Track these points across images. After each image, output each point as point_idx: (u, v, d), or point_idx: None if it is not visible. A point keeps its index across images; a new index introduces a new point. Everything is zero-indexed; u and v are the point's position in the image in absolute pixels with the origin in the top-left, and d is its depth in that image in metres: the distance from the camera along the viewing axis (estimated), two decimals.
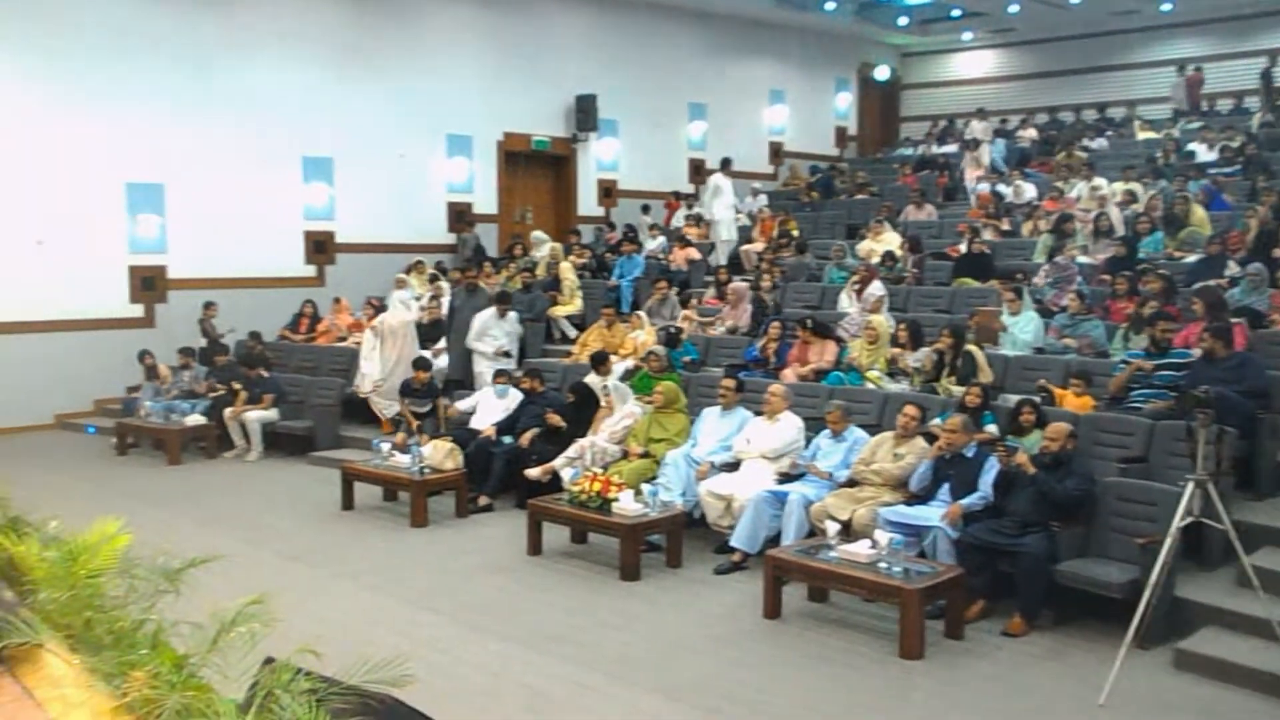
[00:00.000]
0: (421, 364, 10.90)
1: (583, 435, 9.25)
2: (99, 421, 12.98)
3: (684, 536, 7.81)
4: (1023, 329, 9.75)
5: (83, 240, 13.22)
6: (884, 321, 10.27)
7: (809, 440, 8.18)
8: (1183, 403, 6.59)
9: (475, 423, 10.11)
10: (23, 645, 3.11)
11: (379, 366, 11.78)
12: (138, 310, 13.79)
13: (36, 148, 12.78)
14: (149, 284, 13.87)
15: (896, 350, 9.73)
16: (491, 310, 12.04)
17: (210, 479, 10.78)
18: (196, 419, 11.80)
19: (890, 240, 13.35)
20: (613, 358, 10.75)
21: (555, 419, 9.58)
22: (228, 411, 11.77)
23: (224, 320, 13.66)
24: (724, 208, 14.99)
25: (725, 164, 15.53)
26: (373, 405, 11.77)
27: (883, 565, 6.20)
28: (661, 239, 15.72)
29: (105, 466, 11.34)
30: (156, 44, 13.62)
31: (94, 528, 3.75)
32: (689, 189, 18.81)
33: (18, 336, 12.71)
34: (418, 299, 13.95)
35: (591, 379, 10.04)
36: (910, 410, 7.61)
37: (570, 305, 13.60)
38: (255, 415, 11.71)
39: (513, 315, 12.16)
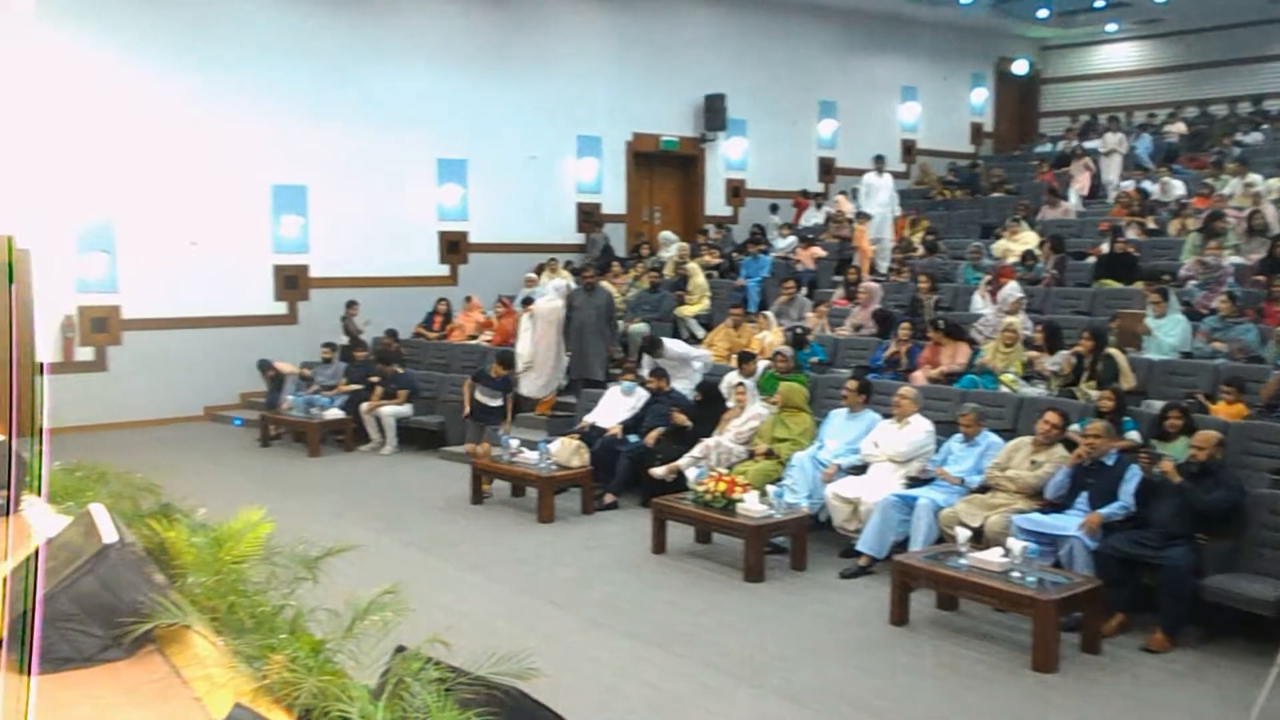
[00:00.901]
0: (504, 358, 11.02)
1: (708, 435, 9.24)
2: (244, 414, 13.54)
3: (809, 539, 7.73)
4: (1168, 332, 9.34)
5: (232, 241, 13.84)
6: (1021, 323, 9.97)
7: (939, 444, 7.99)
8: None
9: (601, 421, 10.19)
10: (172, 626, 3.26)
11: (529, 349, 12.04)
12: (282, 308, 14.36)
13: (192, 152, 13.42)
14: (292, 283, 14.43)
15: (1033, 353, 9.43)
16: None
17: (347, 471, 11.13)
18: (335, 413, 12.21)
19: (1028, 240, 12.95)
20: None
21: (681, 418, 9.59)
22: (364, 406, 12.15)
23: (362, 318, 14.12)
24: (877, 206, 14.79)
25: (879, 162, 15.34)
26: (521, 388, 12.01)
27: (1016, 574, 6.01)
28: (790, 238, 15.57)
29: (249, 457, 11.83)
30: (302, 52, 14.16)
31: (239, 516, 3.90)
32: (818, 188, 18.60)
33: (171, 332, 13.39)
34: (545, 297, 14.13)
35: (732, 377, 10.02)
36: (1051, 417, 7.36)
37: (698, 305, 13.59)
38: (390, 410, 12.05)
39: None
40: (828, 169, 19.45)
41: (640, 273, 14.31)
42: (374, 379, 12.34)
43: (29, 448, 6.07)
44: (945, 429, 8.14)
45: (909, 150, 20.73)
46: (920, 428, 8.06)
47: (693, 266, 14.01)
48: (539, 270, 14.93)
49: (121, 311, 13.17)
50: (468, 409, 11.00)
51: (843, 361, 11.06)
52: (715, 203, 18.35)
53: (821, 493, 8.05)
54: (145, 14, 13.04)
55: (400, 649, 2.80)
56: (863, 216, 15.05)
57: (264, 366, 12.99)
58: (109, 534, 3.51)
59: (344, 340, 13.73)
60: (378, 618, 2.84)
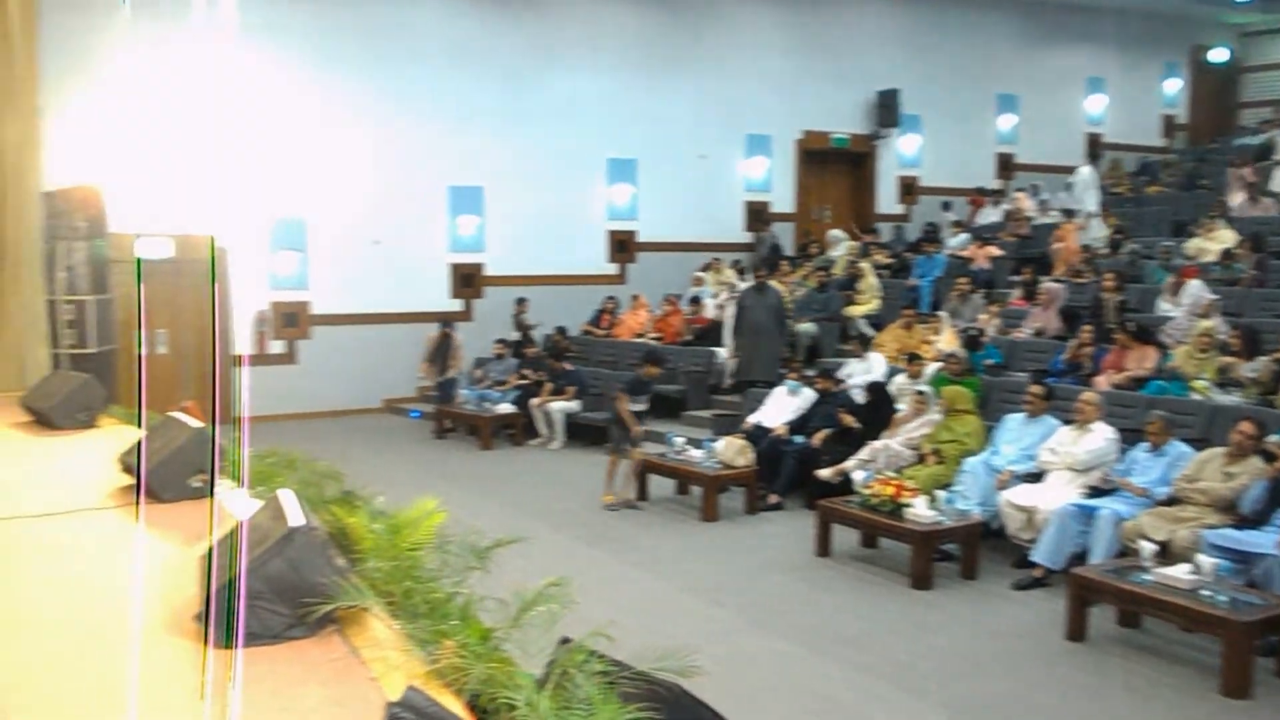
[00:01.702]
0: (654, 358, 10.77)
1: (876, 437, 9.07)
2: (420, 407, 14.06)
3: (980, 547, 7.49)
4: None
5: (411, 240, 14.40)
6: (1216, 327, 9.40)
7: (1123, 453, 7.62)
8: None
9: (767, 421, 10.13)
10: (352, 608, 3.43)
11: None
12: (457, 305, 14.84)
13: (374, 155, 14.03)
14: (468, 280, 14.91)
15: (1229, 359, 8.88)
16: None
17: (516, 465, 11.43)
18: (506, 407, 12.55)
19: (1224, 238, 12.20)
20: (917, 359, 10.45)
21: (849, 419, 9.45)
22: (534, 401, 12.44)
23: (532, 315, 14.48)
24: (1093, 204, 14.27)
25: (1094, 155, 14.76)
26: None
27: (1206, 593, 5.68)
28: (963, 236, 15.13)
29: (424, 448, 12.28)
30: (479, 55, 14.62)
31: (414, 505, 4.06)
32: (996, 185, 18.00)
33: (353, 327, 14.04)
34: (714, 296, 14.17)
35: (901, 380, 9.82)
36: (1246, 427, 6.91)
37: (868, 305, 13.36)
38: (559, 406, 12.29)
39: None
40: (1006, 165, 18.79)
41: (808, 272, 14.16)
42: (544, 375, 12.61)
43: (228, 435, 6.48)
44: (1130, 437, 7.75)
45: (1094, 144, 19.80)
46: (1102, 435, 7.70)
47: (864, 266, 13.79)
48: (706, 269, 14.98)
49: (310, 307, 13.89)
50: (631, 423, 9.77)
51: (1019, 365, 10.67)
52: (887, 201, 18.00)
53: (994, 499, 7.79)
54: (332, 26, 13.70)
55: (565, 640, 2.86)
56: (1071, 214, 14.43)
57: (446, 326, 13.58)
58: (296, 518, 3.71)
59: (515, 336, 14.09)
60: (544, 609, 2.91)
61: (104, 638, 3.81)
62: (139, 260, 11.96)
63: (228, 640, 3.21)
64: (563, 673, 2.60)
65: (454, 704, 2.70)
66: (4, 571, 4.87)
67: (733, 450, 9.33)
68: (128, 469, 6.57)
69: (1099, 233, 13.99)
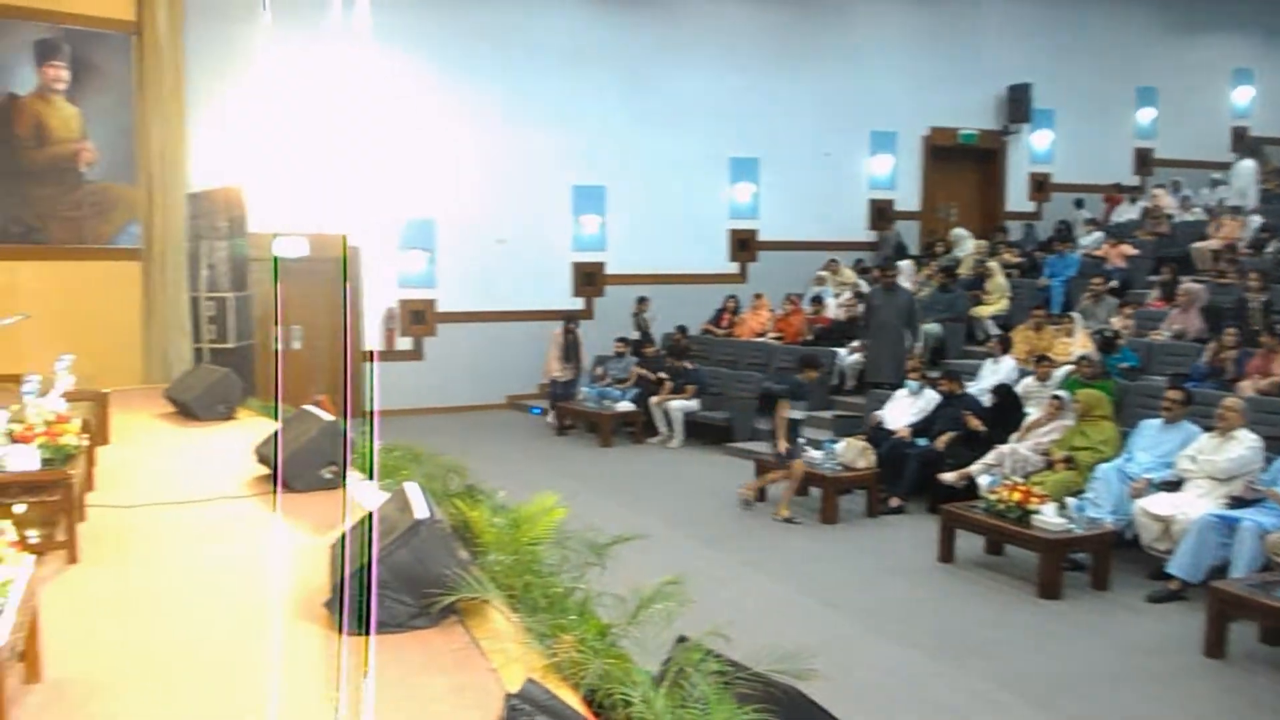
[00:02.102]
0: (812, 362, 10.53)
1: (1003, 441, 8.83)
2: (542, 403, 14.25)
3: (1113, 557, 7.23)
4: None
5: (534, 239, 14.62)
6: None
7: (1268, 462, 7.25)
8: None
9: (889, 422, 9.97)
10: (473, 599, 3.51)
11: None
12: (579, 303, 15.00)
13: (499, 156, 14.28)
14: (590, 279, 15.07)
15: None
16: None
17: (636, 462, 11.49)
18: (626, 405, 12.63)
19: None
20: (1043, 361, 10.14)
21: (975, 422, 9.23)
22: (654, 400, 12.49)
23: (652, 313, 14.54)
24: (1256, 196, 13.66)
25: (1254, 149, 14.09)
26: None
27: None
28: (1097, 234, 14.62)
29: (545, 445, 12.45)
30: (601, 56, 14.74)
31: (535, 500, 4.13)
32: (1133, 181, 17.33)
33: (479, 325, 14.33)
34: (836, 296, 14.01)
35: (1029, 383, 9.54)
36: None
37: (996, 305, 13.01)
38: (678, 404, 12.31)
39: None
40: (1144, 160, 18.06)
41: (933, 271, 13.87)
42: (664, 374, 12.66)
43: (358, 429, 6.68)
44: (1275, 445, 7.38)
45: (1240, 138, 18.85)
46: (1245, 443, 7.34)
47: (993, 265, 13.44)
48: (826, 268, 14.83)
49: (437, 305, 14.21)
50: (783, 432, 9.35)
51: (1156, 368, 10.26)
52: (1016, 198, 17.50)
53: (1128, 508, 7.50)
54: (459, 30, 14.00)
55: (682, 639, 2.87)
56: (1235, 210, 13.79)
57: (571, 320, 13.80)
58: (421, 510, 3.82)
59: (636, 335, 14.17)
60: (661, 607, 2.93)
61: (239, 619, 3.99)
62: (276, 259, 12.42)
63: (360, 627, 3.33)
64: (679, 671, 2.61)
65: (571, 698, 2.74)
66: (152, 554, 5.13)
67: (853, 452, 9.21)
68: (263, 459, 6.83)
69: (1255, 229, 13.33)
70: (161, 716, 3.24)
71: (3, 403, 5.61)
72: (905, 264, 14.03)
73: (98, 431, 7.33)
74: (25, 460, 4.96)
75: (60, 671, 3.51)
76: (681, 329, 14.03)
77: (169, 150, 11.22)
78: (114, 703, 3.33)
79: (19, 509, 4.07)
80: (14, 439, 5.08)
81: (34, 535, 4.63)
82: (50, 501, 4.92)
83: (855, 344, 12.50)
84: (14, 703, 3.13)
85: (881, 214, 16.44)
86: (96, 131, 10.98)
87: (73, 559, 4.90)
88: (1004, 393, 9.50)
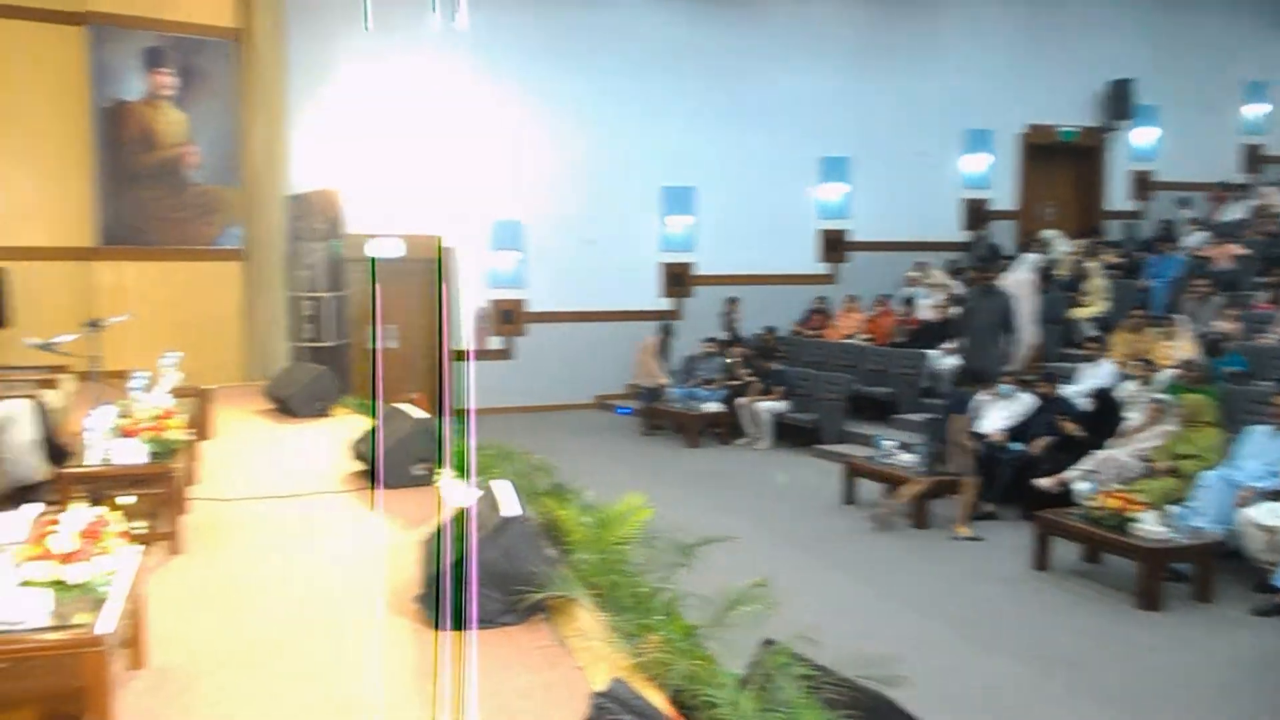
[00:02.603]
0: (979, 376, 10.08)
1: (1100, 446, 8.60)
2: (630, 403, 14.30)
3: (1216, 568, 6.98)
4: None
5: (623, 239, 14.68)
6: None
7: None
8: None
9: (983, 426, 9.77)
10: (561, 597, 3.54)
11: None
12: (667, 304, 15.02)
13: (588, 157, 14.38)
14: (678, 280, 15.08)
15: None
16: None
17: (723, 463, 11.45)
18: (714, 406, 12.61)
19: None
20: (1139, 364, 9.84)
21: (1071, 427, 9.00)
22: (741, 400, 12.44)
23: (740, 314, 14.50)
24: None
25: None
26: None
27: None
28: (1202, 234, 14.13)
29: (633, 445, 12.48)
30: (691, 56, 14.74)
31: (623, 500, 4.15)
32: (1240, 179, 16.70)
33: (567, 325, 14.44)
34: (927, 297, 13.79)
35: (1130, 387, 9.28)
36: None
37: (1094, 307, 12.67)
38: (766, 406, 12.25)
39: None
40: (1253, 157, 17.40)
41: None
42: (750, 375, 12.60)
43: (451, 427, 6.79)
44: None
45: None
46: None
47: (1092, 266, 13.08)
48: (919, 269, 14.61)
49: (527, 305, 14.36)
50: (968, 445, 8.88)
51: (1265, 373, 9.88)
52: (1117, 197, 17.01)
53: (1233, 517, 7.24)
54: (549, 31, 14.11)
55: (769, 642, 2.85)
56: None
57: (667, 329, 13.78)
58: (511, 508, 3.87)
59: (725, 336, 14.14)
60: (748, 609, 2.92)
61: (334, 612, 4.09)
62: (372, 259, 12.68)
63: (454, 623, 3.38)
64: (765, 674, 2.60)
65: (657, 698, 2.74)
66: (251, 546, 5.29)
67: None
68: (359, 456, 6.99)
69: None
70: (259, 704, 3.34)
71: (111, 398, 5.83)
72: (1031, 256, 13.62)
73: (201, 427, 7.58)
74: (132, 454, 5.15)
75: (163, 658, 3.65)
76: (770, 330, 13.95)
77: (269, 154, 11.54)
78: (214, 690, 3.45)
79: (126, 501, 4.23)
80: (122, 433, 5.28)
81: (140, 526, 4.80)
82: (155, 494, 5.10)
83: (948, 346, 12.28)
84: (120, 687, 3.26)
85: (976, 214, 16.13)
86: (201, 136, 11.34)
87: (176, 550, 5.07)
88: (1102, 397, 9.25)
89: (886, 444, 9.60)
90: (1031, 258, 13.27)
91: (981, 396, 9.98)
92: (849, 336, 13.94)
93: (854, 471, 9.58)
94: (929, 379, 12.38)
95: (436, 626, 3.48)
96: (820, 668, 2.56)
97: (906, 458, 9.18)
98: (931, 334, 12.84)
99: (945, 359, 12.16)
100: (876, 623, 6.48)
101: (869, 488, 9.58)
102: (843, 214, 15.68)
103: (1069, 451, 8.76)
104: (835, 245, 15.74)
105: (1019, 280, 12.16)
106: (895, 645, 5.55)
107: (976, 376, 10.99)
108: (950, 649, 6.09)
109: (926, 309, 13.55)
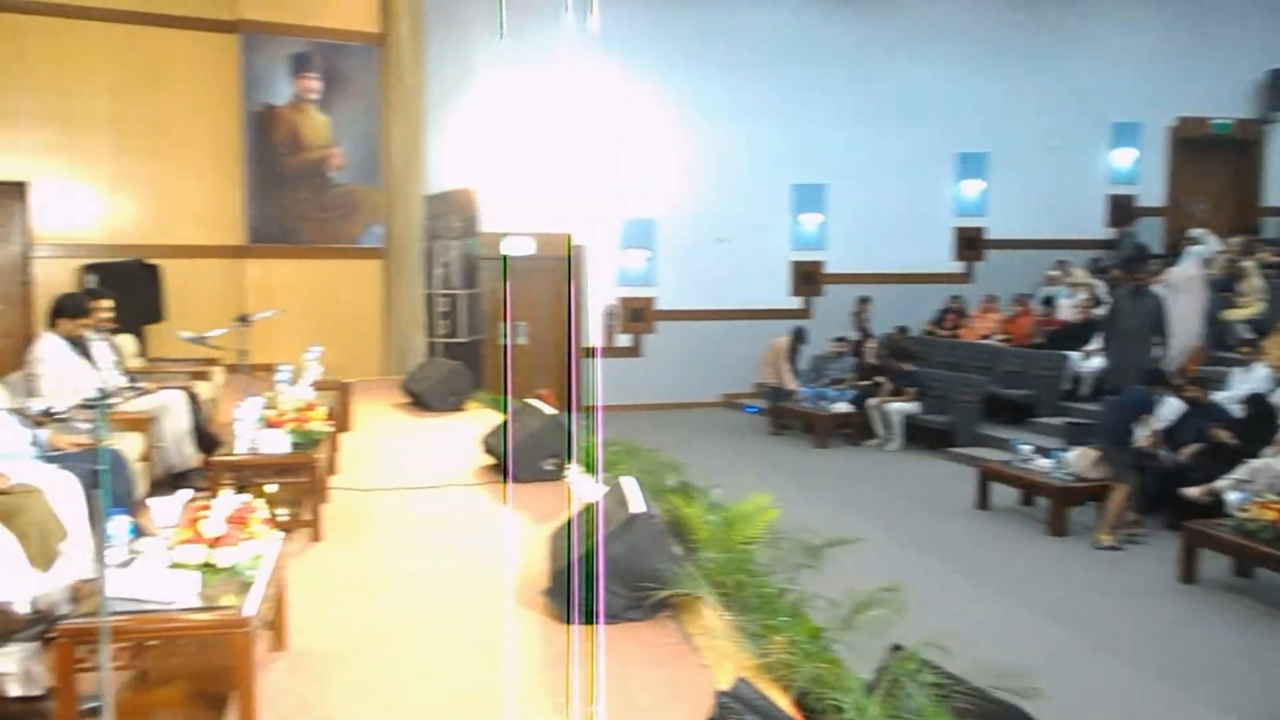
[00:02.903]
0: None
1: (1254, 455, 8.17)
2: (758, 403, 14.23)
3: None
4: None
5: (753, 238, 14.62)
6: None
7: None
8: None
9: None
10: (686, 595, 3.55)
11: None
12: (796, 303, 14.91)
13: (719, 155, 14.37)
14: (808, 278, 14.94)
15: None
16: None
17: (851, 465, 11.29)
18: (843, 406, 12.45)
19: None
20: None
21: (1223, 434, 8.58)
22: (872, 401, 12.25)
23: (872, 314, 14.27)
24: None
25: None
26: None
27: None
28: None
29: (760, 444, 12.41)
30: (822, 53, 14.57)
31: (749, 499, 4.12)
32: None
33: (696, 323, 14.46)
34: (1069, 296, 13.33)
35: None
36: None
37: (1250, 309, 12.01)
38: (897, 407, 12.03)
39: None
40: None
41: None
42: (880, 376, 12.39)
43: (579, 423, 6.87)
44: None
45: None
46: None
47: (1248, 265, 12.42)
48: (1057, 268, 14.13)
49: (655, 303, 14.43)
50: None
51: None
52: (1275, 193, 16.09)
53: None
54: (678, 30, 14.13)
55: (897, 647, 2.80)
56: None
57: (799, 335, 13.63)
58: (637, 504, 3.89)
59: (855, 335, 13.94)
60: (876, 613, 2.87)
61: (465, 601, 4.18)
62: (505, 257, 12.92)
63: (581, 617, 3.42)
64: (893, 680, 2.55)
65: (782, 700, 2.72)
66: (388, 535, 5.45)
67: (1086, 461, 8.72)
68: (490, 450, 7.13)
69: None
70: (391, 691, 3.44)
71: (259, 390, 6.08)
72: (1199, 249, 13.03)
73: (341, 419, 7.84)
74: (277, 444, 5.36)
75: (303, 642, 3.78)
76: (902, 329, 13.69)
77: (409, 155, 11.87)
78: (351, 674, 3.57)
79: (271, 488, 4.41)
80: (267, 424, 5.51)
81: (283, 514, 5.00)
82: (298, 483, 5.31)
83: (1091, 348, 11.84)
84: (262, 668, 3.40)
85: (1121, 210, 15.49)
86: (344, 138, 11.73)
87: (316, 537, 5.26)
88: (1257, 403, 8.79)
89: (1024, 448, 9.32)
90: (1199, 250, 12.68)
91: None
92: (985, 337, 13.57)
93: (989, 476, 9.33)
94: (1070, 382, 11.97)
95: (568, 620, 3.52)
96: (951, 676, 2.50)
97: (1044, 463, 8.90)
98: (1073, 335, 12.40)
99: (1088, 361, 11.74)
100: (1011, 632, 6.29)
101: (1003, 493, 9.32)
102: (980, 211, 15.28)
103: (1220, 460, 8.35)
104: (971, 243, 15.34)
105: (1187, 275, 11.69)
106: (1030, 656, 5.38)
107: (1121, 381, 10.56)
108: (1089, 662, 5.87)
109: (1068, 309, 13.09)
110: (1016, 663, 2.49)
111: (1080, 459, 8.73)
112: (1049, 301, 13.49)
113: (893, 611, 2.80)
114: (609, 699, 3.12)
